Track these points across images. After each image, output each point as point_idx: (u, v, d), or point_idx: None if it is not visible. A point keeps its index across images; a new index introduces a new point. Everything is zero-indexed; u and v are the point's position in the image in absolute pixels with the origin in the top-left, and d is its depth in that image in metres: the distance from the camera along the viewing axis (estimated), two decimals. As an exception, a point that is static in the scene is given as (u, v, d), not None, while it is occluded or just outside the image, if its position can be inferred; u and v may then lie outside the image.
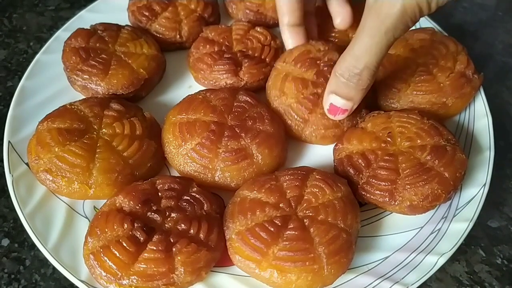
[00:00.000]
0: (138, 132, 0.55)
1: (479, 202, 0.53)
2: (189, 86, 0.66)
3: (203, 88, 0.63)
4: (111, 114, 0.56)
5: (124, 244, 0.44)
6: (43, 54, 0.67)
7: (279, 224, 0.46)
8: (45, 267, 0.55)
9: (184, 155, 0.54)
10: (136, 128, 0.56)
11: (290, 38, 0.61)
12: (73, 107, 0.57)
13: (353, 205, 0.49)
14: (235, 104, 0.57)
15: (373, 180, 0.51)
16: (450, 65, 0.60)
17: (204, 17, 0.69)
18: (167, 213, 0.47)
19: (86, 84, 0.60)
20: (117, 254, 0.44)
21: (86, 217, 0.53)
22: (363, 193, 0.52)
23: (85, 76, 0.59)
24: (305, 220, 0.46)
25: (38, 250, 0.50)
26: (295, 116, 0.57)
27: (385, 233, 0.53)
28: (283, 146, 0.56)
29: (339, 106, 0.53)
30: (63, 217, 0.52)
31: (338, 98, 0.52)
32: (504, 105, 0.71)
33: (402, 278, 0.48)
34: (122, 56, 0.62)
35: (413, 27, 0.58)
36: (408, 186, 0.49)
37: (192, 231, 0.46)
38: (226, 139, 0.53)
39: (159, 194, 0.49)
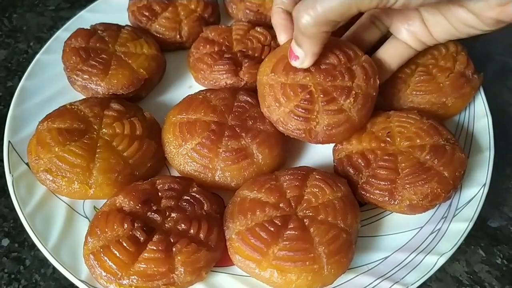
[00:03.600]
0: (138, 132, 0.55)
1: (479, 202, 0.53)
2: (189, 86, 0.66)
3: (203, 88, 0.63)
4: (111, 114, 0.56)
5: (124, 244, 0.44)
6: (43, 54, 0.67)
7: (279, 224, 0.46)
8: (45, 267, 0.55)
9: (184, 155, 0.54)
10: (136, 128, 0.56)
11: (282, 29, 0.55)
12: (73, 107, 0.57)
13: (353, 205, 0.49)
14: (236, 104, 0.57)
15: (373, 180, 0.51)
16: (449, 65, 0.60)
17: (204, 17, 0.69)
18: (167, 213, 0.47)
19: (86, 84, 0.60)
20: (117, 254, 0.44)
21: (86, 217, 0.53)
22: (363, 192, 0.52)
23: (85, 76, 0.59)
24: (305, 220, 0.46)
25: (38, 250, 0.50)
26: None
27: (385, 233, 0.53)
28: (283, 146, 0.56)
29: (293, 50, 0.50)
30: (63, 217, 0.52)
31: (293, 41, 0.50)
32: (504, 105, 0.71)
33: (402, 278, 0.48)
34: (122, 56, 0.62)
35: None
36: (407, 186, 0.49)
37: (192, 231, 0.46)
38: (226, 138, 0.53)
39: (159, 194, 0.49)
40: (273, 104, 0.53)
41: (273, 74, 0.53)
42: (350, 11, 0.43)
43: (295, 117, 0.52)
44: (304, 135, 0.52)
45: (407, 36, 0.55)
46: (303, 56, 0.50)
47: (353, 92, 0.52)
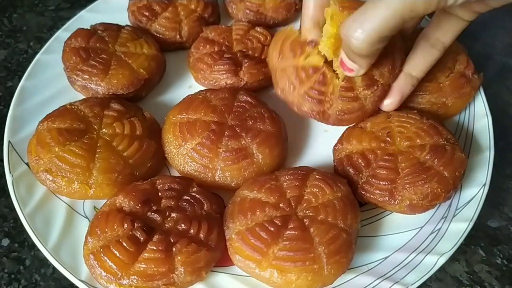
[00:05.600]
0: (138, 132, 0.55)
1: (479, 202, 0.53)
2: (189, 86, 0.66)
3: (203, 88, 0.63)
4: (111, 114, 0.56)
5: (124, 244, 0.44)
6: (43, 54, 0.67)
7: (279, 224, 0.46)
8: (45, 267, 0.55)
9: (185, 154, 0.54)
10: (136, 128, 0.56)
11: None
12: (73, 107, 0.57)
13: (353, 205, 0.49)
14: (236, 104, 0.57)
15: (373, 180, 0.51)
16: (449, 65, 0.60)
17: (204, 17, 0.69)
18: (167, 213, 0.47)
19: (86, 84, 0.60)
20: (117, 254, 0.44)
21: (86, 217, 0.53)
22: (363, 192, 0.52)
23: (85, 76, 0.59)
24: (305, 220, 0.46)
25: (38, 250, 0.50)
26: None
27: (385, 233, 0.53)
28: (283, 146, 0.56)
29: (345, 63, 0.49)
30: (63, 217, 0.52)
31: (344, 55, 0.48)
32: (504, 105, 0.71)
33: (402, 278, 0.48)
34: (122, 56, 0.62)
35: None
36: (407, 185, 0.49)
37: (192, 231, 0.46)
38: (226, 138, 0.53)
39: (159, 194, 0.49)
40: (287, 87, 0.53)
41: (281, 57, 0.54)
42: (403, 23, 0.40)
43: (309, 99, 0.52)
44: (318, 116, 0.54)
45: (460, 7, 0.48)
46: (357, 69, 0.49)
47: (375, 86, 0.52)
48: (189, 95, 0.59)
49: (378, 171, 0.51)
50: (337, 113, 0.53)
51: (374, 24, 0.41)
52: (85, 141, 0.53)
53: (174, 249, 0.45)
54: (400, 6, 0.39)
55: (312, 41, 0.52)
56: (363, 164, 0.52)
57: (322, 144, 0.60)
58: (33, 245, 0.53)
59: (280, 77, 0.54)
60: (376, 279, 0.48)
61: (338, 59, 0.50)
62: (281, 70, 0.54)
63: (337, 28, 0.48)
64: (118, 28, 0.65)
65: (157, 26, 0.68)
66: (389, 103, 0.55)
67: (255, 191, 0.49)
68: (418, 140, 0.53)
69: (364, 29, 0.42)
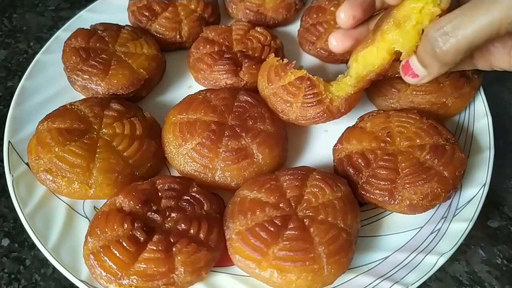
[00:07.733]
0: (138, 132, 0.55)
1: (479, 202, 0.53)
2: (189, 86, 0.66)
3: (203, 88, 0.63)
4: (111, 114, 0.56)
5: (124, 244, 0.44)
6: (43, 54, 0.67)
7: (279, 224, 0.46)
8: (45, 267, 0.55)
9: (185, 154, 0.54)
10: (136, 128, 0.56)
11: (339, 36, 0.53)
12: (73, 107, 0.57)
13: (353, 205, 0.49)
14: (236, 104, 0.57)
15: (373, 180, 0.51)
16: (450, 65, 0.60)
17: (204, 17, 0.69)
18: (167, 213, 0.47)
19: (86, 84, 0.60)
20: (117, 254, 0.44)
21: (86, 217, 0.53)
22: (363, 192, 0.52)
23: (85, 76, 0.59)
24: (305, 220, 0.46)
25: (38, 250, 0.50)
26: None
27: (385, 233, 0.53)
28: (283, 146, 0.56)
29: (412, 68, 0.47)
30: (63, 217, 0.52)
31: (415, 58, 0.46)
32: (504, 105, 0.71)
33: (402, 278, 0.48)
34: (122, 56, 0.62)
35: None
36: (407, 185, 0.49)
37: (192, 231, 0.46)
38: (226, 138, 0.53)
39: (159, 194, 0.49)
40: (285, 106, 0.56)
41: (270, 84, 0.57)
42: (497, 35, 0.38)
43: (308, 106, 0.54)
44: (326, 115, 0.54)
45: (484, 66, 0.48)
46: (424, 75, 0.46)
47: None
48: (189, 95, 0.59)
49: (378, 171, 0.51)
50: (344, 100, 0.54)
51: (468, 31, 0.39)
52: (85, 141, 0.53)
53: (174, 249, 0.45)
54: (500, 15, 0.37)
55: (290, 63, 0.56)
56: (363, 164, 0.52)
57: (322, 144, 0.60)
58: (33, 245, 0.53)
59: (275, 101, 0.56)
60: (376, 279, 0.48)
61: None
62: (273, 95, 0.56)
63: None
64: (118, 28, 0.65)
65: (157, 26, 0.68)
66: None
67: (255, 191, 0.49)
68: (418, 140, 0.53)
69: (456, 35, 0.40)
